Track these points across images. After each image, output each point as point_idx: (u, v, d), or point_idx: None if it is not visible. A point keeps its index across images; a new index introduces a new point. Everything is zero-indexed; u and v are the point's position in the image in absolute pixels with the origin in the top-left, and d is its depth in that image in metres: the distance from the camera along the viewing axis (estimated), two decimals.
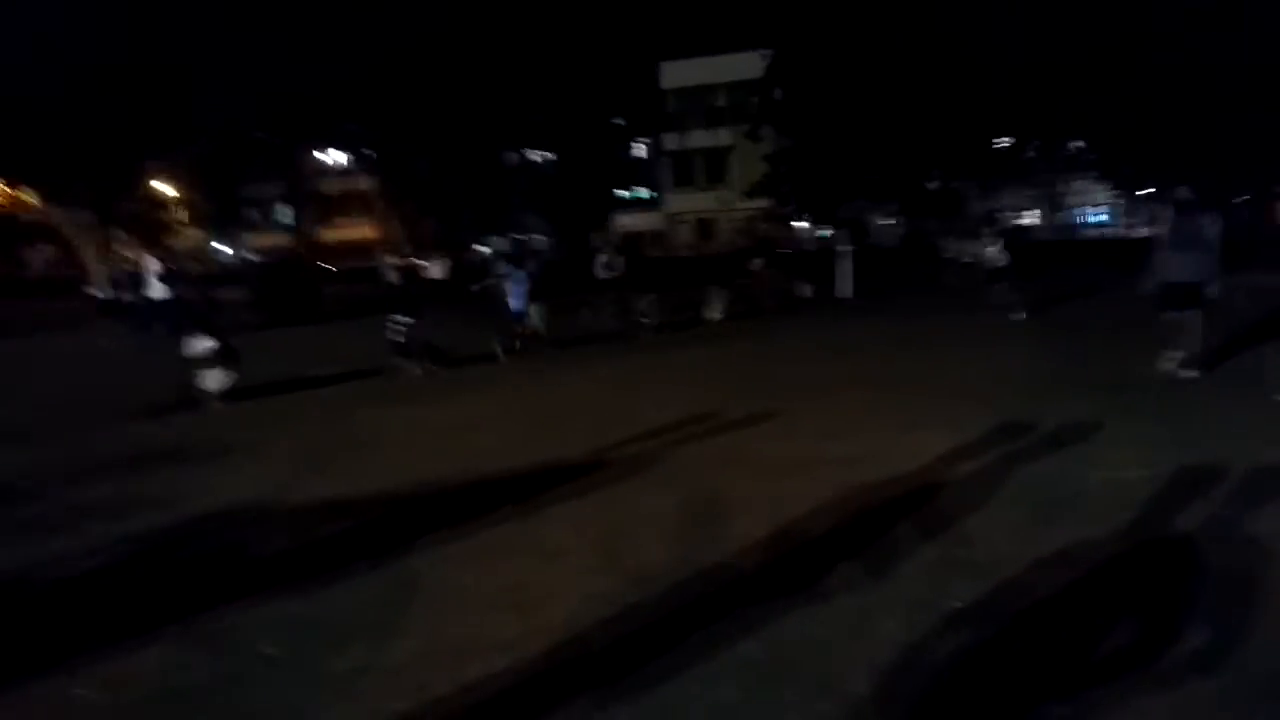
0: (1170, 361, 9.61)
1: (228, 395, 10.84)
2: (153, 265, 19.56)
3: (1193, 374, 9.39)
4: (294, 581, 4.77)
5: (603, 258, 19.35)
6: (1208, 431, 7.07)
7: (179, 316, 17.91)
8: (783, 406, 8.95)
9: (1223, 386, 8.97)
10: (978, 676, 3.52)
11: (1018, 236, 28.04)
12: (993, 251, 16.50)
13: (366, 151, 55.63)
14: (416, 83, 43.09)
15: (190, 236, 55.52)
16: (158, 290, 20.04)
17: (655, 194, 58.04)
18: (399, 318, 12.99)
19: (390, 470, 7.18)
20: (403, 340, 12.88)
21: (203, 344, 10.97)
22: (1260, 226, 30.50)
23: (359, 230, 59.83)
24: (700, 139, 54.53)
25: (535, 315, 14.63)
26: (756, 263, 21.10)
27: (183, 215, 54.64)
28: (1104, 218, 48.30)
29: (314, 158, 59.83)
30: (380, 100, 44.56)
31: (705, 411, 8.79)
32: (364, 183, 58.26)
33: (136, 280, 19.65)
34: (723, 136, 51.77)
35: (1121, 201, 44.19)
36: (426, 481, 6.74)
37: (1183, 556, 4.58)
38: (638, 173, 57.32)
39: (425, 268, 25.66)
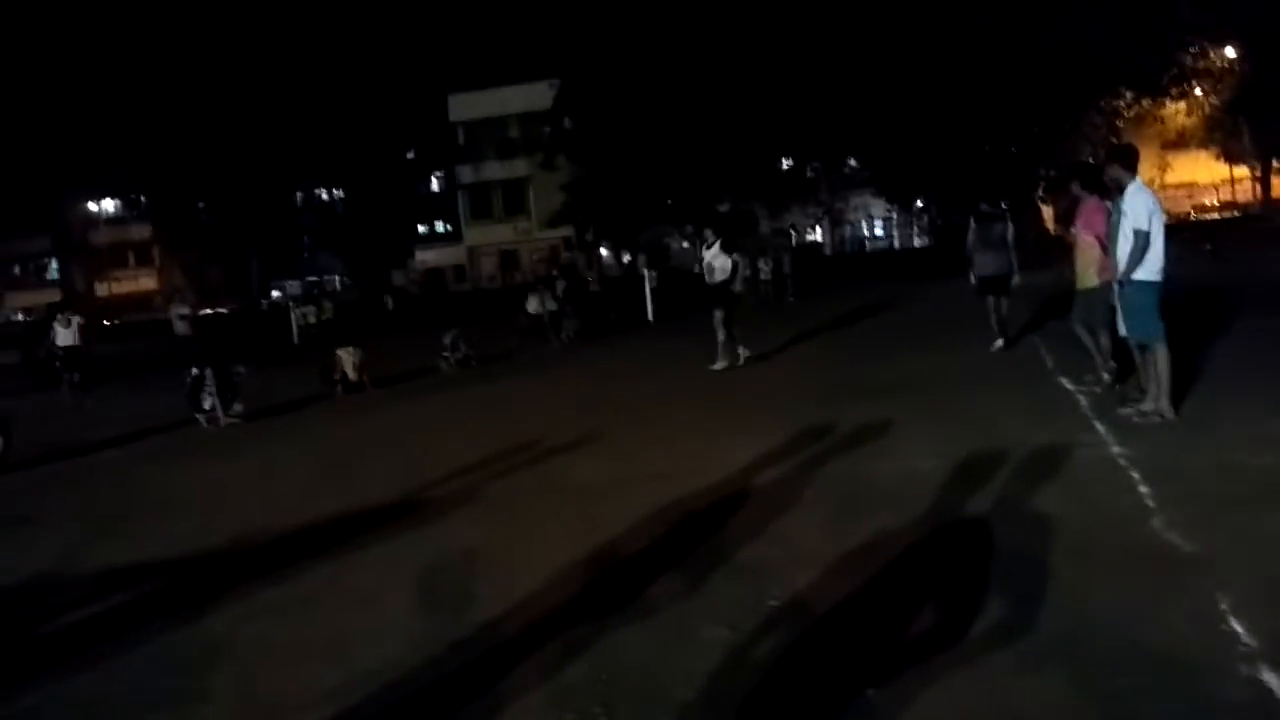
0: (997, 344, 11.41)
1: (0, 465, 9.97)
2: None
3: (999, 346, 11.41)
4: (88, 656, 4.41)
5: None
6: (994, 417, 7.62)
7: None
8: (598, 428, 9.03)
9: (1002, 379, 9.71)
10: (799, 670, 3.64)
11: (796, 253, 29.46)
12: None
13: (140, 198, 52.64)
14: (189, 120, 41.10)
15: None
16: None
17: (452, 228, 57.46)
18: (194, 369, 12.28)
19: (186, 530, 6.77)
20: (202, 391, 12.17)
21: None
22: (1028, 227, 33.26)
23: (137, 282, 56.41)
24: (495, 170, 54.41)
25: (349, 361, 14.20)
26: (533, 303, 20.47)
27: None
28: (879, 230, 51.39)
29: (82, 206, 56.01)
30: (152, 141, 42.25)
31: (519, 442, 8.75)
32: (139, 230, 55.08)
33: None
34: (518, 167, 51.93)
35: (896, 214, 47.12)
36: (227, 537, 6.40)
37: (976, 537, 4.89)
38: (434, 207, 56.64)
39: (222, 315, 24.39)
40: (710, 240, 12.83)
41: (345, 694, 3.75)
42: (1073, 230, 8.81)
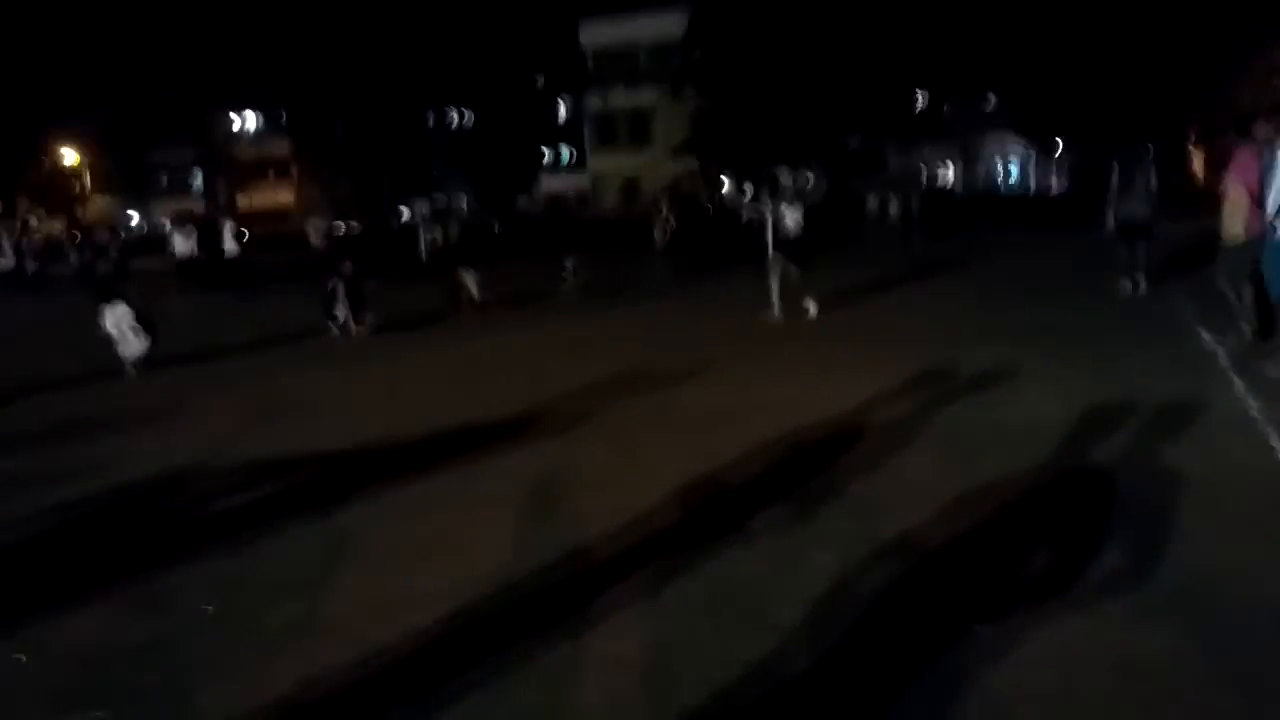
0: (1126, 288, 11.50)
1: (146, 363, 10.59)
2: (71, 233, 19.13)
3: (1142, 290, 11.44)
4: (228, 541, 4.73)
5: None
6: (1125, 371, 7.37)
7: (96, 283, 17.44)
8: (711, 358, 9.07)
9: (1139, 328, 9.37)
10: (907, 601, 3.65)
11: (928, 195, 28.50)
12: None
13: (279, 114, 54.28)
14: (329, 40, 42.01)
15: (98, 204, 53.59)
16: (75, 257, 19.52)
17: (578, 155, 57.61)
18: (329, 282, 12.78)
19: (317, 430, 7.12)
20: (334, 302, 12.68)
21: (119, 311, 10.68)
22: (1174, 174, 31.46)
23: (276, 195, 58.46)
24: (622, 99, 54.15)
25: (474, 281, 14.56)
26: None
27: (90, 182, 52.66)
28: (1015, 171, 49.33)
29: (226, 121, 58.14)
30: (292, 60, 43.38)
31: (632, 367, 8.86)
32: (279, 146, 56.88)
33: (48, 249, 19.01)
34: (645, 97, 51.57)
35: (1035, 154, 45.14)
36: (357, 440, 6.69)
37: (1099, 485, 4.79)
38: (560, 134, 56.83)
39: (354, 231, 25.27)
40: (777, 194, 11.70)
41: (463, 592, 3.93)
42: (1224, 180, 8.35)
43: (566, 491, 5.26)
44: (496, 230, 38.19)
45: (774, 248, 11.50)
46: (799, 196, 11.77)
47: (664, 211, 23.79)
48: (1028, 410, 6.32)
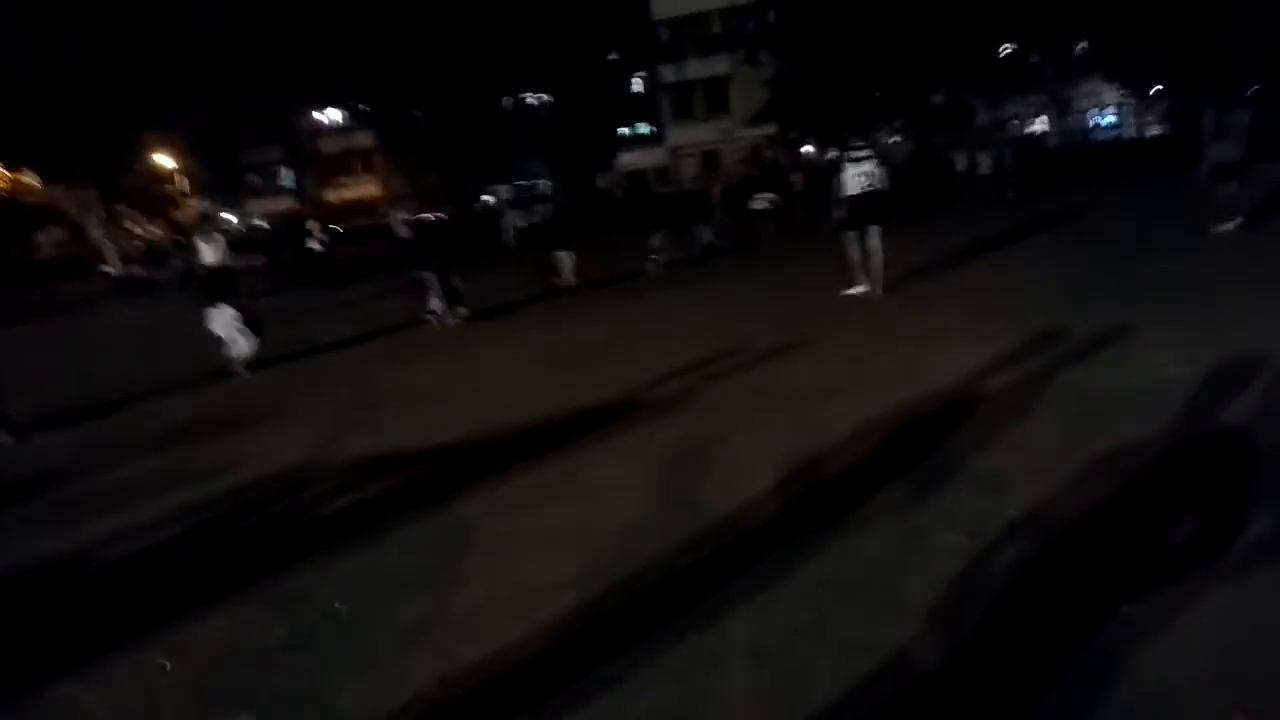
0: (1226, 226, 12.01)
1: (254, 363, 10.89)
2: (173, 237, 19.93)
3: (1235, 225, 12.00)
4: (353, 537, 4.82)
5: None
6: (1246, 323, 7.02)
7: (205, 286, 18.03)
8: (810, 333, 8.93)
9: (1256, 275, 8.93)
10: (1046, 583, 3.52)
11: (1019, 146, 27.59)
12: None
13: (362, 107, 55.18)
14: (405, 32, 42.50)
15: (193, 206, 55.31)
16: (180, 261, 20.24)
17: (655, 129, 57.30)
18: (421, 274, 12.98)
19: (426, 423, 7.21)
20: (427, 292, 12.87)
21: (226, 313, 10.98)
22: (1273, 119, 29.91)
23: (362, 188, 59.55)
24: (697, 69, 53.56)
25: (565, 264, 14.63)
26: (761, 200, 20.86)
27: (184, 186, 54.35)
28: (1113, 119, 47.47)
29: (310, 117, 59.36)
30: (370, 53, 44.02)
31: (731, 344, 8.77)
32: (362, 139, 57.87)
33: (150, 255, 19.66)
34: (720, 65, 50.95)
35: (1131, 101, 43.36)
36: (464, 431, 6.76)
37: (1235, 447, 4.56)
38: (637, 108, 56.55)
39: (440, 219, 25.71)
40: (861, 151, 10.95)
41: (588, 583, 3.93)
42: None
43: (680, 475, 5.23)
44: (578, 210, 38.42)
45: (850, 213, 10.87)
46: (873, 155, 10.97)
47: (715, 194, 23.40)
48: (1151, 371, 6.06)
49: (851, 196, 10.81)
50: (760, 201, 20.74)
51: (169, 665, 3.71)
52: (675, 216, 20.04)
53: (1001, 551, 3.78)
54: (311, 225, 23.42)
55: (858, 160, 10.80)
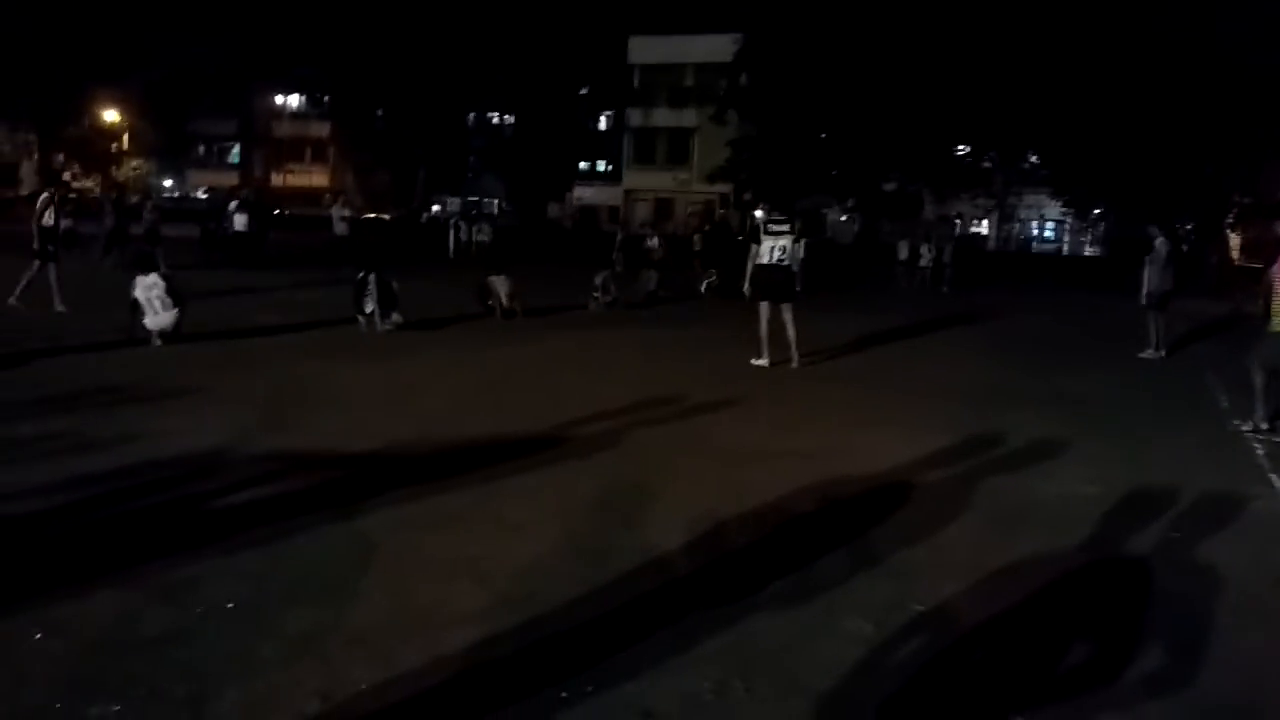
0: (1149, 352, 12.88)
1: (172, 336, 10.56)
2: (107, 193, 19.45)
3: (1158, 353, 12.96)
4: (251, 534, 4.65)
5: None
6: (1159, 453, 7.26)
7: (128, 249, 17.54)
8: (740, 393, 8.99)
9: (1171, 407, 9.28)
10: (943, 680, 3.55)
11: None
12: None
13: (322, 97, 54.54)
14: (378, 29, 42.20)
15: (135, 167, 53.85)
16: (110, 219, 19.70)
17: (613, 168, 57.70)
18: (360, 274, 12.74)
19: (345, 427, 7.05)
20: (363, 293, 12.62)
21: (148, 279, 10.67)
22: (1207, 255, 31.25)
23: (310, 177, 58.75)
24: (664, 117, 54.24)
25: (503, 287, 14.53)
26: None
27: (128, 144, 52.96)
28: (1052, 233, 49.16)
29: (269, 99, 58.48)
30: (341, 44, 43.62)
31: (662, 394, 8.78)
32: (318, 129, 57.16)
33: (80, 209, 19.01)
34: (687, 117, 51.62)
35: (1071, 219, 44.99)
36: (382, 442, 6.62)
37: (1137, 576, 4.67)
38: (599, 145, 56.91)
39: (383, 220, 25.38)
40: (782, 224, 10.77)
41: (490, 618, 3.84)
42: (1272, 271, 8.28)
43: (595, 521, 5.17)
44: (526, 234, 38.32)
45: (753, 284, 10.86)
46: (792, 230, 10.74)
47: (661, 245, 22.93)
48: (1062, 486, 6.21)
49: (759, 266, 10.75)
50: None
51: (40, 640, 3.51)
52: (624, 258, 20.12)
53: (904, 645, 3.80)
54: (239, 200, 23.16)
55: (774, 233, 10.70)
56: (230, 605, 3.87)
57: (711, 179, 43.94)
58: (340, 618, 3.82)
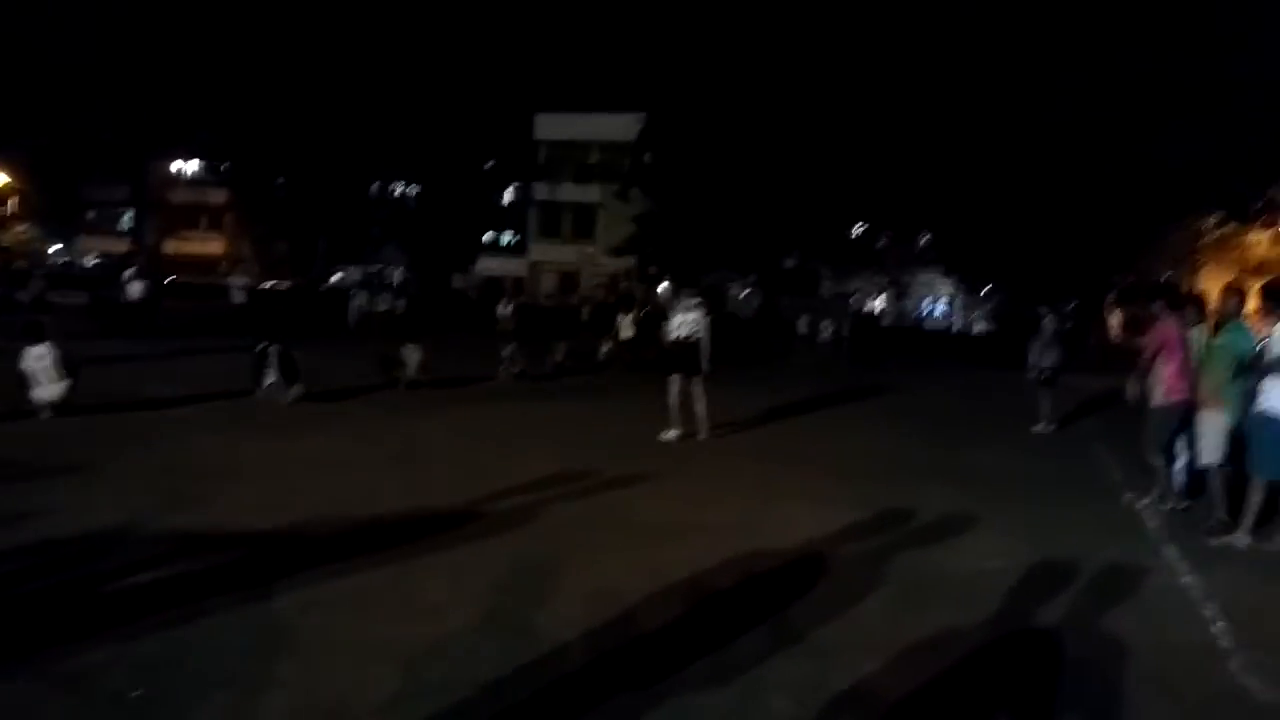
0: (1041, 427, 13.19)
1: (62, 408, 10.14)
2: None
3: (1049, 427, 13.25)
4: (153, 620, 4.44)
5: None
6: (1059, 526, 7.51)
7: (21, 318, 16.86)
8: (652, 468, 9.02)
9: (1068, 482, 9.63)
10: None
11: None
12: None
13: (220, 163, 53.55)
14: (281, 97, 41.81)
15: (20, 232, 51.91)
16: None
17: (519, 240, 57.99)
18: (261, 344, 12.45)
19: (249, 504, 6.83)
20: (263, 363, 12.32)
21: (37, 350, 10.25)
22: (1089, 333, 32.78)
23: (204, 244, 57.46)
24: (570, 192, 54.90)
25: (412, 358, 14.37)
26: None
27: (14, 209, 51.05)
28: (944, 309, 51.00)
29: (164, 164, 57.21)
30: (238, 111, 43.03)
31: (576, 468, 8.75)
32: (215, 195, 56.02)
33: None
34: (592, 192, 52.29)
35: (962, 295, 46.80)
36: (288, 519, 6.42)
37: (1046, 650, 4.79)
38: (504, 218, 57.14)
39: (281, 290, 24.94)
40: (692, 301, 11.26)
41: (409, 705, 3.74)
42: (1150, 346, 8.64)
43: (513, 600, 5.09)
44: (430, 305, 38.02)
45: (664, 358, 11.29)
46: (702, 304, 11.25)
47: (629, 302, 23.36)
48: (970, 561, 6.36)
49: (670, 340, 11.19)
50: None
51: None
52: (531, 330, 20.10)
53: None
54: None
55: (687, 308, 11.14)
56: (135, 694, 3.69)
57: (617, 253, 44.42)
58: (251, 707, 3.67)
